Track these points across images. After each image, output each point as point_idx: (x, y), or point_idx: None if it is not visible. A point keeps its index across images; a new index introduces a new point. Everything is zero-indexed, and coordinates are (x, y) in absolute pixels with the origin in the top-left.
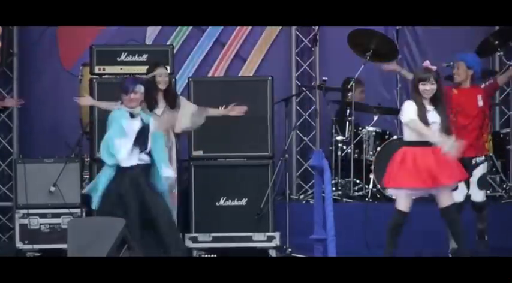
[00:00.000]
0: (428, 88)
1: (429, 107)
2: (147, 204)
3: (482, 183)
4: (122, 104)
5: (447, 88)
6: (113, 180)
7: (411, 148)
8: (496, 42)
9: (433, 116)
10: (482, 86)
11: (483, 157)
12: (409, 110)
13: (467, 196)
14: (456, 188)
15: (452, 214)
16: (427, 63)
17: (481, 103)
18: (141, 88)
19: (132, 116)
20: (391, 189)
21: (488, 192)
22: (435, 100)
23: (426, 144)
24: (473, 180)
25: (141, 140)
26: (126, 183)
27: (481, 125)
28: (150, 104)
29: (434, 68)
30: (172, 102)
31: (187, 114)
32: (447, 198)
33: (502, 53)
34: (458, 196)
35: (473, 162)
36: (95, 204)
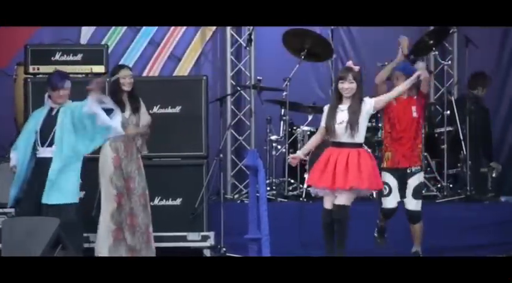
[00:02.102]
0: (346, 86)
1: (343, 107)
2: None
3: (417, 193)
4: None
5: None
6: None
7: (331, 149)
8: (431, 42)
9: (342, 115)
10: (415, 97)
11: (418, 167)
12: (322, 115)
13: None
14: (389, 194)
15: (338, 214)
16: (349, 62)
17: (415, 114)
18: (69, 84)
19: (50, 112)
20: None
21: (423, 191)
22: (353, 99)
23: (346, 145)
24: (408, 189)
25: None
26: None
27: (415, 136)
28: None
29: (356, 67)
30: (135, 106)
31: (143, 123)
32: (340, 199)
33: (437, 52)
34: (391, 202)
35: (408, 171)
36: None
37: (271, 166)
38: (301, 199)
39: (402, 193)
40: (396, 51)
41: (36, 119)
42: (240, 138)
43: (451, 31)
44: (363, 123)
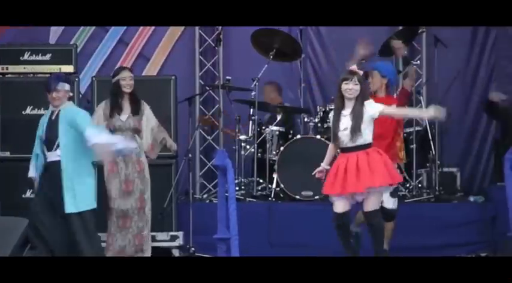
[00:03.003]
0: (350, 87)
1: (346, 112)
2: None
3: (394, 191)
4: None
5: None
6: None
7: (341, 155)
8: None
9: (345, 121)
10: (395, 95)
11: (395, 165)
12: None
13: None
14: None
15: (371, 220)
16: (354, 67)
17: None
18: (64, 86)
19: (51, 116)
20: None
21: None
22: (355, 103)
23: (354, 149)
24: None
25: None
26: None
27: (394, 134)
28: (114, 109)
29: (360, 72)
30: (136, 108)
31: (149, 130)
32: (369, 204)
33: (405, 52)
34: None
35: None
36: None
37: (240, 166)
38: (270, 199)
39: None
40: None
41: (42, 124)
42: (208, 138)
43: (419, 31)
44: (368, 127)
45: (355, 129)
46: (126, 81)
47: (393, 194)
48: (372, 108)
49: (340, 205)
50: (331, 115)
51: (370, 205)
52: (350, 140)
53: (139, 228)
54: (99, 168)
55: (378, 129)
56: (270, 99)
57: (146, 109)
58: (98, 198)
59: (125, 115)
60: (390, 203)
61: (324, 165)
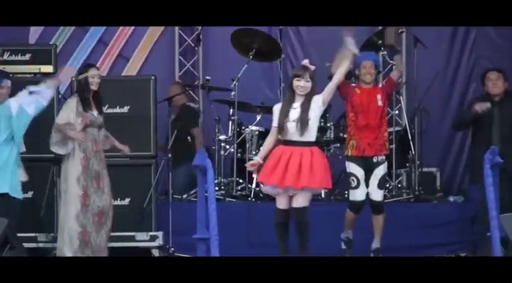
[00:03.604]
0: (302, 84)
1: (296, 105)
2: None
3: (382, 183)
4: None
5: (351, 88)
6: None
7: (283, 147)
8: (380, 42)
9: (295, 113)
10: (380, 85)
11: (383, 157)
12: (273, 116)
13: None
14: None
15: (299, 216)
16: (305, 61)
17: (380, 103)
18: (7, 82)
19: None
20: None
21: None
22: (306, 97)
23: (298, 144)
24: (373, 179)
25: None
26: None
27: (380, 124)
28: (86, 105)
29: (312, 67)
30: (100, 106)
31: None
32: (299, 201)
33: (385, 52)
34: (360, 194)
35: (374, 161)
36: None
37: (220, 166)
38: (249, 199)
39: (367, 184)
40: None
41: None
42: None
43: (399, 31)
44: (315, 121)
45: (304, 121)
46: (95, 79)
47: (380, 186)
48: (317, 100)
49: (283, 202)
50: (275, 107)
51: (301, 202)
52: (297, 132)
53: (110, 223)
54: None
55: (364, 120)
56: (174, 100)
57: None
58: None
59: (95, 111)
60: (378, 195)
61: (258, 158)
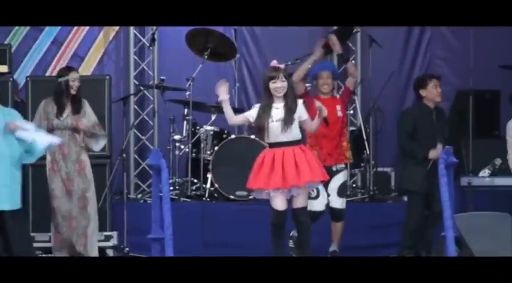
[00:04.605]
0: (279, 85)
1: (278, 105)
2: None
3: (342, 191)
4: None
5: (312, 98)
6: None
7: (269, 150)
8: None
9: (278, 113)
10: (338, 96)
11: (343, 165)
12: (249, 112)
13: (327, 205)
14: (317, 197)
15: (303, 217)
16: (274, 62)
17: (340, 113)
18: None
19: None
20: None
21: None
22: (286, 97)
23: (287, 144)
24: (333, 187)
25: None
26: None
27: (340, 133)
28: (60, 108)
29: (282, 66)
30: (77, 107)
31: (89, 124)
32: (300, 201)
33: (341, 50)
34: (319, 205)
35: (334, 169)
36: None
37: (175, 166)
38: (204, 199)
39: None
40: (313, 49)
41: None
42: (143, 137)
43: (354, 31)
44: (297, 123)
45: (288, 121)
46: (75, 82)
47: (341, 194)
48: (299, 111)
49: (279, 203)
50: (256, 105)
51: (301, 202)
52: (282, 132)
53: (84, 227)
54: (38, 168)
55: (324, 130)
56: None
57: (86, 107)
58: (38, 197)
59: (65, 114)
60: (338, 203)
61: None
